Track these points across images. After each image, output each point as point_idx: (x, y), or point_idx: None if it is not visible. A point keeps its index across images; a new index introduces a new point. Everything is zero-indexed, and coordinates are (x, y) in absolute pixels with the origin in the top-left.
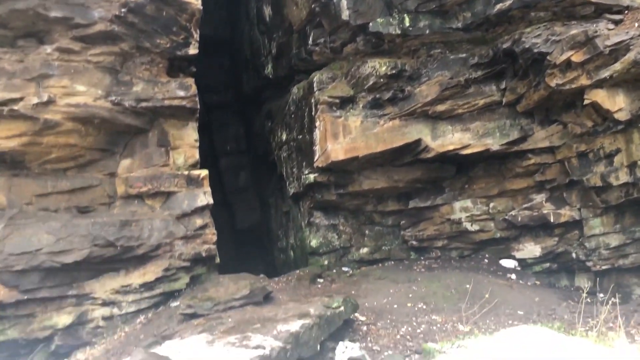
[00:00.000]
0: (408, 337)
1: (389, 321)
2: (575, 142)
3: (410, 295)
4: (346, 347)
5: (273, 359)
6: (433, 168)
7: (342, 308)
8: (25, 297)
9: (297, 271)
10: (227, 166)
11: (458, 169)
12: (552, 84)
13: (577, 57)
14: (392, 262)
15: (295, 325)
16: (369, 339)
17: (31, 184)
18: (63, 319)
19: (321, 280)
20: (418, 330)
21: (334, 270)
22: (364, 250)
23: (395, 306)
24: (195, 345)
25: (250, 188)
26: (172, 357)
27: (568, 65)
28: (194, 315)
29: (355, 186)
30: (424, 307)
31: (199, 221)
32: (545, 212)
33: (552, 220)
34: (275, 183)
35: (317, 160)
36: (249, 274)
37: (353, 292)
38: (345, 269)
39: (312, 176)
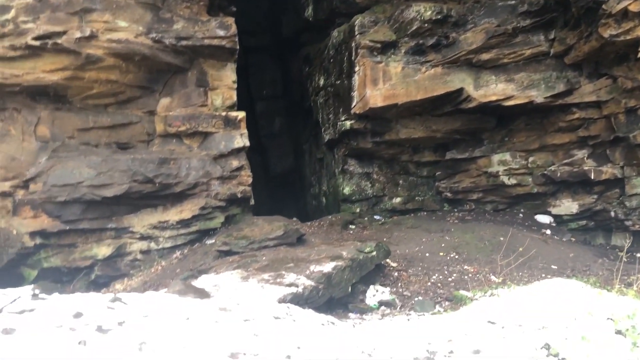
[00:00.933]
0: (439, 284)
1: (420, 268)
2: (624, 97)
3: (443, 245)
4: (377, 291)
5: (305, 297)
6: (473, 119)
7: (374, 253)
8: (67, 227)
9: (329, 217)
10: (263, 111)
11: (498, 121)
12: (606, 34)
13: (634, 6)
14: (425, 213)
15: (327, 267)
16: (399, 284)
17: (73, 118)
18: (103, 250)
19: (353, 227)
20: (449, 279)
21: (366, 218)
22: (397, 199)
23: (427, 255)
24: (230, 279)
25: (285, 134)
26: (207, 290)
27: (624, 14)
28: (229, 252)
29: (392, 135)
30: (456, 256)
31: (235, 162)
32: (586, 168)
33: (592, 177)
34: (310, 129)
35: (354, 106)
36: (282, 216)
37: (385, 239)
38: (377, 217)
39: (348, 123)
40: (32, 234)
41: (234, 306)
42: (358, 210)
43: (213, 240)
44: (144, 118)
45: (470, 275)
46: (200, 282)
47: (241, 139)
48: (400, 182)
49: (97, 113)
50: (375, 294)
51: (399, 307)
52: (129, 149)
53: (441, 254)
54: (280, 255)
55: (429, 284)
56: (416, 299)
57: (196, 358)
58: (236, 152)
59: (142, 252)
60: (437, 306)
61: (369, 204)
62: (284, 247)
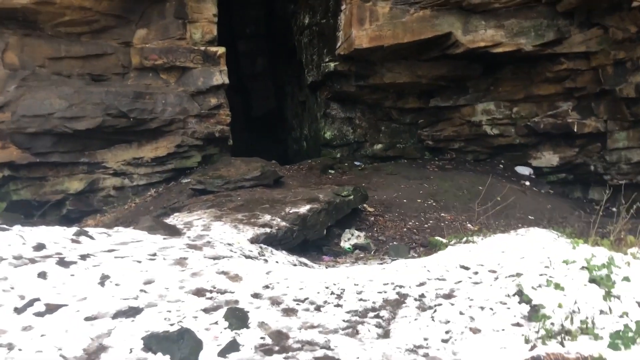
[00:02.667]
0: (415, 230)
1: (397, 214)
2: (614, 48)
3: (421, 192)
4: (352, 235)
5: (279, 238)
6: (460, 65)
7: (351, 197)
8: (38, 159)
9: (309, 161)
10: (245, 50)
11: (485, 70)
12: None
13: None
14: (406, 160)
15: (303, 209)
16: (375, 229)
17: (44, 45)
18: (75, 184)
19: (332, 172)
20: (426, 226)
21: (346, 164)
22: (379, 146)
23: (405, 201)
24: (202, 218)
25: (268, 75)
26: (179, 227)
27: None
28: (203, 191)
29: (376, 78)
30: (434, 204)
31: (213, 100)
32: (569, 120)
33: (575, 130)
34: (293, 71)
35: (339, 47)
36: (260, 158)
37: (364, 184)
38: (357, 163)
39: (332, 64)
40: (0, 166)
41: (204, 244)
42: (339, 155)
43: (189, 180)
44: (119, 49)
45: (446, 222)
46: (172, 219)
47: (220, 76)
48: (383, 128)
49: (70, 42)
50: (351, 237)
51: (373, 252)
52: (103, 81)
53: (419, 200)
54: (256, 196)
55: (405, 229)
56: (391, 243)
57: (159, 293)
58: (215, 89)
59: (116, 188)
60: (411, 251)
61: (350, 149)
62: (260, 188)
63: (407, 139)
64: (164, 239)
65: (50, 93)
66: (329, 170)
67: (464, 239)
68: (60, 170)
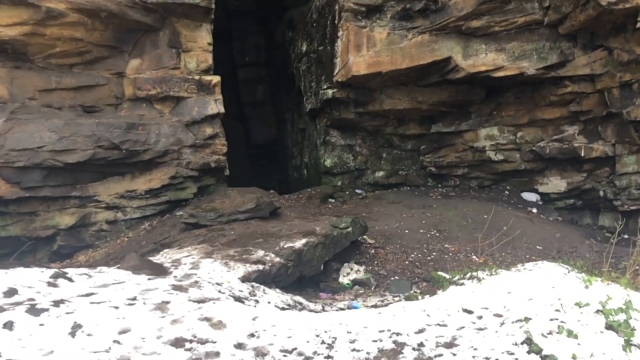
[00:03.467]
0: (417, 263)
1: (398, 246)
2: (619, 70)
3: (424, 222)
4: (351, 269)
5: (273, 275)
6: (461, 90)
7: (350, 229)
8: (27, 194)
9: (309, 190)
10: (245, 78)
11: (487, 94)
12: (604, 2)
13: None
14: (408, 188)
15: (298, 243)
16: (375, 262)
17: (34, 77)
18: (66, 219)
19: (332, 201)
20: (428, 258)
21: (347, 192)
22: (380, 173)
23: (407, 231)
24: (192, 255)
25: (268, 102)
26: (166, 265)
27: None
28: (196, 225)
29: (375, 105)
30: (437, 234)
31: (209, 130)
32: (576, 145)
33: (582, 155)
34: (292, 98)
35: (337, 73)
36: (258, 188)
37: (364, 214)
38: (358, 191)
39: (330, 91)
40: None
41: (190, 285)
42: (339, 183)
43: (183, 212)
44: (111, 80)
45: (450, 254)
46: (160, 257)
47: (215, 105)
48: (384, 155)
49: (61, 73)
50: (350, 272)
51: (373, 287)
52: (95, 113)
53: (421, 231)
54: (250, 230)
55: (407, 262)
56: (392, 278)
57: (134, 345)
58: (210, 119)
59: (108, 222)
60: (413, 287)
61: (351, 177)
62: (255, 220)
63: (409, 165)
64: (149, 279)
65: (40, 126)
66: (329, 199)
67: (468, 274)
68: (51, 205)
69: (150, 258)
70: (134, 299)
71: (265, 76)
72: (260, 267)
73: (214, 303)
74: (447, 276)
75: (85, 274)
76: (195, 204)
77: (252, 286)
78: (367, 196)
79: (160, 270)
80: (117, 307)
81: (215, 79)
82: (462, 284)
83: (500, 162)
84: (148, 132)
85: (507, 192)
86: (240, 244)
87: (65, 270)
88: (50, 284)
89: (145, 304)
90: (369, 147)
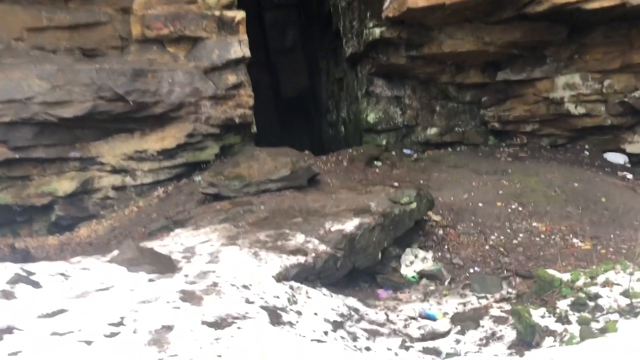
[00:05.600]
0: (501, 249)
1: (472, 225)
2: None
3: (500, 192)
4: (415, 257)
5: (318, 269)
6: (538, 28)
7: (414, 204)
8: (17, 155)
9: (350, 150)
10: (273, 21)
11: (570, 32)
12: None
13: None
14: (465, 147)
15: (350, 225)
16: (446, 247)
17: (20, 13)
18: (64, 185)
19: (379, 164)
20: (514, 241)
21: (394, 153)
22: (432, 130)
23: (480, 205)
24: (211, 240)
25: (299, 49)
26: (174, 257)
27: None
28: (217, 197)
29: (432, 47)
30: (520, 208)
31: (232, 78)
32: None
33: None
34: (328, 42)
35: (387, 7)
36: (291, 149)
37: (422, 181)
38: (407, 151)
39: (377, 30)
40: None
41: (207, 290)
42: (384, 142)
43: (202, 179)
44: (115, 17)
45: (542, 236)
46: (169, 241)
47: (240, 48)
48: (437, 108)
49: (54, 8)
50: (414, 260)
51: (447, 282)
52: (97, 57)
53: (499, 204)
54: (285, 204)
55: (487, 247)
56: (471, 270)
57: None
58: (233, 64)
59: (115, 188)
60: (504, 284)
61: (397, 135)
62: (290, 191)
63: (466, 121)
64: (149, 280)
65: (29, 72)
66: (375, 162)
67: (601, 275)
68: (47, 168)
69: (158, 242)
70: (121, 322)
71: (296, 18)
72: (301, 259)
73: (239, 328)
74: (563, 277)
75: (62, 274)
76: (216, 168)
77: (292, 287)
78: (421, 158)
79: (166, 265)
80: (89, 343)
81: (239, 14)
82: (600, 296)
83: (580, 117)
84: (159, 81)
85: (586, 152)
86: (274, 225)
87: (33, 268)
88: (4, 294)
89: (136, 332)
90: (419, 99)
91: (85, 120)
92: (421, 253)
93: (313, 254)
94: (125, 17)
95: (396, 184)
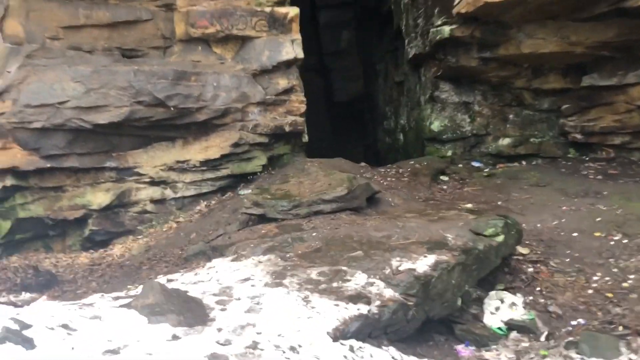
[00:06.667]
0: (611, 294)
1: (568, 260)
2: None
3: (598, 219)
4: (501, 301)
5: (383, 322)
6: (636, 26)
7: (501, 237)
8: (49, 164)
9: (411, 162)
10: (328, 22)
11: None
12: None
13: None
14: (541, 161)
15: (423, 263)
16: (538, 289)
17: (57, 10)
18: (99, 197)
19: (445, 179)
20: (624, 285)
21: (460, 165)
22: (505, 140)
23: (575, 235)
24: (253, 275)
25: (354, 50)
26: (206, 302)
27: None
28: (262, 218)
29: (509, 48)
30: (625, 241)
31: (282, 82)
32: None
33: None
34: (387, 44)
35: (459, 3)
36: (345, 160)
37: (499, 202)
38: (476, 163)
39: (447, 28)
40: (1, 172)
41: (244, 356)
42: (450, 153)
43: (249, 191)
44: (158, 14)
45: None
46: (203, 275)
47: (292, 48)
48: (511, 116)
49: (92, 5)
50: (500, 306)
51: (543, 336)
52: (137, 58)
53: (597, 234)
54: (341, 232)
55: (590, 291)
56: (573, 322)
57: None
58: (285, 67)
59: (154, 201)
60: (621, 345)
61: (465, 146)
62: (346, 214)
63: (543, 131)
64: (173, 337)
65: (62, 74)
66: (441, 177)
67: None
68: (81, 178)
69: (191, 276)
70: None
71: (352, 18)
72: (363, 308)
73: None
74: None
75: (65, 326)
76: (261, 184)
77: (352, 348)
78: (495, 173)
79: (196, 314)
80: None
81: (293, 11)
82: None
83: None
84: (203, 84)
85: None
86: (328, 259)
87: (30, 318)
88: None
89: None
90: (491, 105)
91: (122, 127)
92: (508, 297)
93: (378, 302)
94: (168, 15)
95: (469, 205)
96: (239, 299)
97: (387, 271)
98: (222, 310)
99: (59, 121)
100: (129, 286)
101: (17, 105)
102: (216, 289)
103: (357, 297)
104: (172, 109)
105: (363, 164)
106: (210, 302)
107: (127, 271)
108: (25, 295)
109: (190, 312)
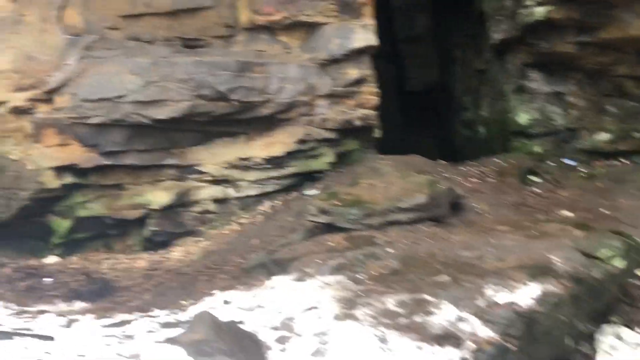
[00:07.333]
0: None
1: None
2: None
3: None
4: (619, 339)
5: None
6: None
7: (619, 261)
8: (107, 161)
9: (495, 159)
10: (402, 5)
11: None
12: None
13: None
14: None
15: (525, 294)
16: None
17: None
18: (159, 196)
19: (536, 180)
20: None
21: (551, 163)
22: (602, 135)
23: None
24: (318, 302)
25: (429, 36)
26: (261, 337)
27: None
28: (329, 227)
29: (611, 30)
30: None
31: (353, 72)
32: None
33: None
34: (467, 28)
35: None
36: (420, 157)
37: (604, 210)
38: (568, 161)
39: (541, 10)
40: (59, 170)
41: None
42: (539, 149)
43: (314, 191)
44: (221, 1)
45: None
46: (261, 298)
47: (364, 34)
48: (609, 108)
49: None
50: (617, 345)
51: None
52: (198, 48)
53: None
54: (422, 249)
55: None
56: None
57: None
58: (356, 55)
59: (216, 201)
60: None
61: (555, 141)
62: (427, 225)
63: None
64: None
65: (121, 66)
66: (530, 177)
67: None
68: (141, 176)
69: (248, 298)
70: None
71: (428, 1)
72: (454, 353)
73: None
74: None
75: None
76: (328, 184)
77: None
78: (595, 174)
79: (249, 354)
80: None
81: None
82: None
83: None
84: (268, 76)
85: None
86: (407, 283)
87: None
88: None
89: None
90: (586, 96)
91: (181, 123)
92: (628, 334)
93: (471, 344)
94: (232, 1)
95: (569, 213)
96: (300, 334)
97: (480, 303)
98: (282, 350)
99: (118, 116)
100: (182, 301)
101: (75, 100)
102: (276, 321)
103: (445, 338)
104: (234, 103)
105: (440, 161)
106: (268, 338)
107: (183, 281)
108: (77, 305)
109: (244, 352)
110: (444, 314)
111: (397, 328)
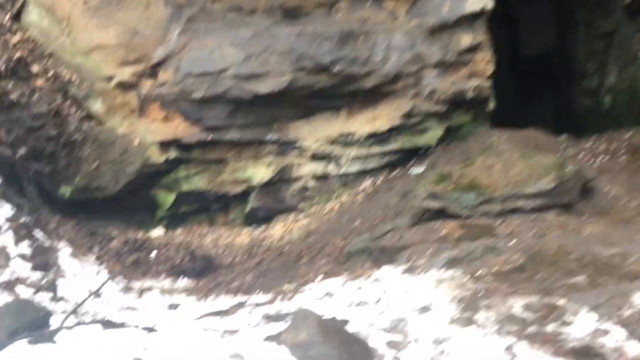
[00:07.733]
0: None
1: None
2: None
3: None
4: None
5: None
6: None
7: None
8: (210, 136)
9: (626, 134)
10: None
11: None
12: None
13: None
14: None
15: None
16: None
17: None
18: (260, 172)
19: None
20: None
21: None
22: None
23: None
24: (432, 305)
25: None
26: (371, 343)
27: None
28: (441, 213)
29: None
30: None
31: (465, 39)
32: None
33: None
34: None
35: None
36: (538, 131)
37: None
38: None
39: None
40: (163, 145)
41: None
42: None
43: (422, 169)
44: None
45: None
46: (367, 291)
47: None
48: None
49: None
50: None
51: None
52: (300, 18)
53: None
54: (550, 243)
55: None
56: None
57: None
58: (469, 20)
59: (316, 177)
60: None
61: None
62: (554, 213)
63: None
64: None
65: (223, 39)
66: None
67: None
68: (243, 151)
69: (354, 290)
70: None
71: None
72: None
73: None
74: None
75: None
76: (436, 162)
77: None
78: None
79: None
80: None
81: None
82: None
83: None
84: (372, 45)
85: None
86: (535, 284)
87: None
88: None
89: None
90: None
91: (282, 97)
92: None
93: None
94: None
95: None
96: (416, 340)
97: (627, 312)
98: (398, 356)
99: (219, 91)
100: (284, 286)
101: (179, 74)
102: (386, 322)
103: (584, 354)
104: (335, 75)
105: (562, 136)
106: (378, 343)
107: (284, 261)
108: (181, 283)
109: (352, 356)
110: (582, 324)
111: (527, 337)
